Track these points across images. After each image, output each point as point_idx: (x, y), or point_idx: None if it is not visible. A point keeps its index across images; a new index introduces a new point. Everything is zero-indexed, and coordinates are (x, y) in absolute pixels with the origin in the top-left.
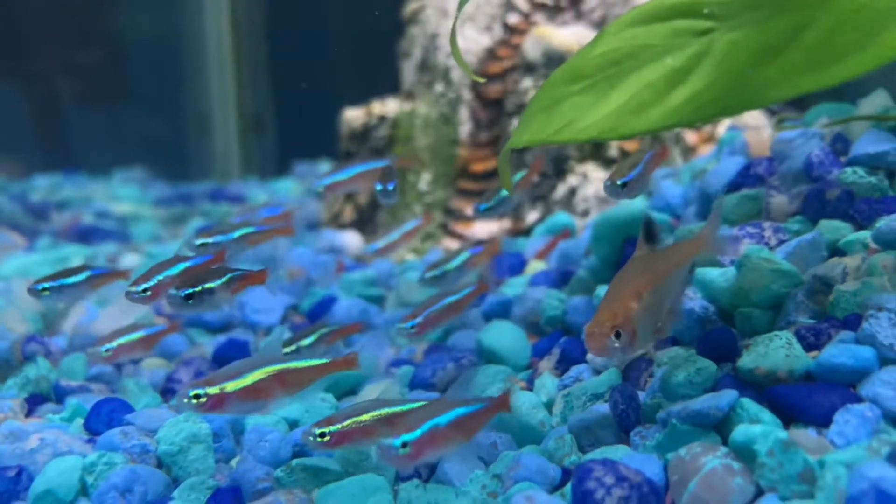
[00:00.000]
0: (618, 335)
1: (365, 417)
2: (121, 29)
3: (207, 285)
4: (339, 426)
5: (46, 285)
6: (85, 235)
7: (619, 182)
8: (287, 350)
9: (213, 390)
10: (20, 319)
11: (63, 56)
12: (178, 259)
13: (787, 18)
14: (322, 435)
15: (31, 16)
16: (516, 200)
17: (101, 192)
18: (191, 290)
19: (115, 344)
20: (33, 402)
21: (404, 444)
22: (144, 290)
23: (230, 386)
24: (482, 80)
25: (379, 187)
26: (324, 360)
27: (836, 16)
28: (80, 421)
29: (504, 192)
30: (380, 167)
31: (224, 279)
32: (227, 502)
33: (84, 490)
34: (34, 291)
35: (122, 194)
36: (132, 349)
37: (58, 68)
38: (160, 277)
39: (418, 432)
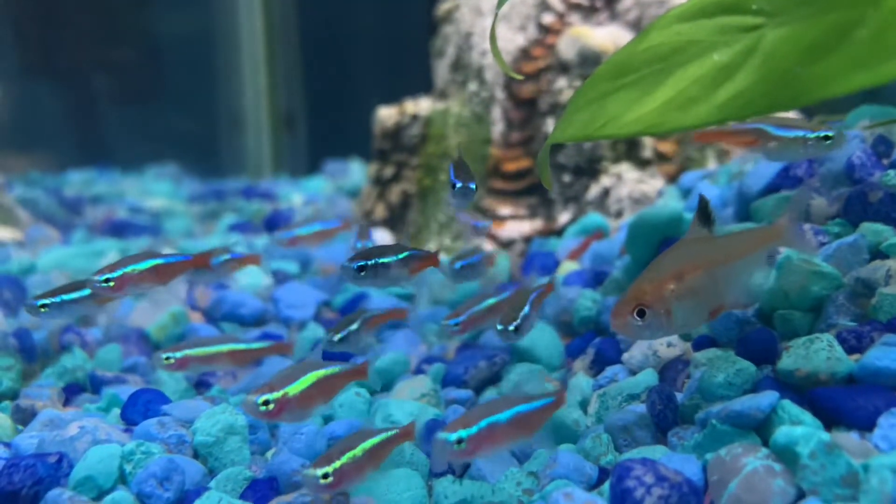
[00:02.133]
0: (641, 314)
1: (358, 451)
2: (155, 26)
3: (382, 260)
4: (338, 464)
5: (46, 301)
6: (119, 230)
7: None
8: (337, 336)
9: (278, 395)
10: None
11: (97, 53)
12: (148, 254)
13: (837, 15)
14: (325, 476)
15: (66, 13)
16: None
17: (135, 187)
18: (363, 263)
19: (181, 354)
20: (70, 392)
21: (460, 441)
22: (107, 281)
23: (291, 390)
24: (520, 78)
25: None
26: (337, 369)
27: (888, 13)
28: (116, 411)
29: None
30: (333, 227)
31: (402, 256)
32: (265, 493)
33: (122, 478)
34: (32, 308)
35: (155, 190)
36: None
37: (92, 65)
38: (126, 270)
39: (475, 429)
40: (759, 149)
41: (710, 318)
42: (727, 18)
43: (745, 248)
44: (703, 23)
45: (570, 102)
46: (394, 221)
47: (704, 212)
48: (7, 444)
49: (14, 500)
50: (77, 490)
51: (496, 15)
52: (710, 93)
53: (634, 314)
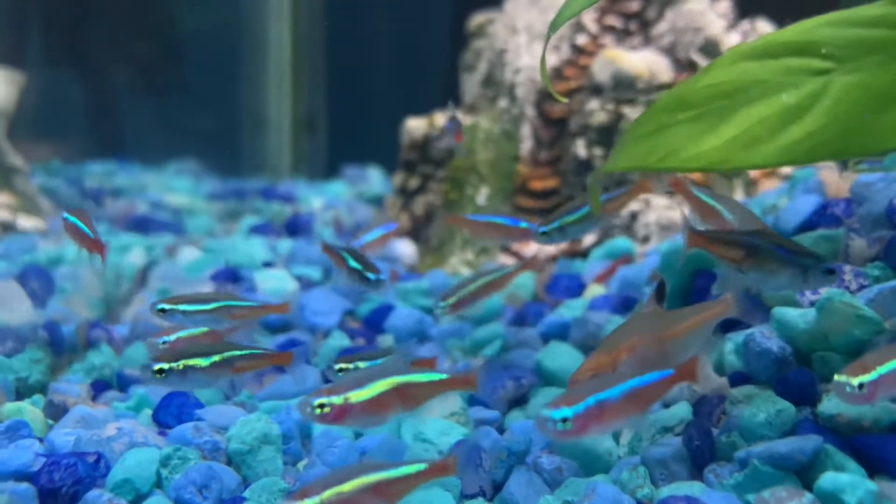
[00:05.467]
0: None
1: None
2: (182, 22)
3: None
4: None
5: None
6: (140, 225)
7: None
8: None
9: (337, 400)
10: (85, 304)
11: (122, 46)
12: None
13: None
14: None
15: (91, 4)
16: None
17: (155, 182)
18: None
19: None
20: (97, 388)
21: (565, 420)
22: None
23: (354, 397)
24: (565, 101)
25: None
26: (443, 376)
27: None
28: (147, 411)
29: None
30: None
31: None
32: None
33: (159, 482)
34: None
35: (176, 186)
36: None
37: (116, 57)
38: None
39: (581, 406)
40: None
41: None
42: (794, 60)
43: (693, 321)
44: (769, 63)
45: (626, 132)
46: (417, 233)
47: (661, 290)
48: (41, 440)
49: (53, 497)
50: (115, 492)
51: (547, 39)
52: (777, 134)
53: None
